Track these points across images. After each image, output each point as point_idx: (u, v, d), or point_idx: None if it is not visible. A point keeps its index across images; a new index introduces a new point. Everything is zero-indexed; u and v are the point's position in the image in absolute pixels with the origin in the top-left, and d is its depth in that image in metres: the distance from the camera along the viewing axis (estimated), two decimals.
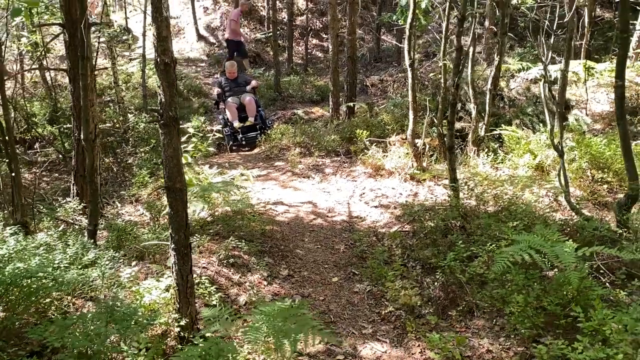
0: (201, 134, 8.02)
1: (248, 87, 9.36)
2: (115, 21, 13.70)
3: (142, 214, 5.61)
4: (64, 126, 7.85)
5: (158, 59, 2.67)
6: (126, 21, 14.28)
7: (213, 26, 15.23)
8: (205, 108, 10.78)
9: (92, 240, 4.04)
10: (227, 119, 9.20)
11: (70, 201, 5.34)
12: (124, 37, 13.98)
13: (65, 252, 3.39)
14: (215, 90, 9.72)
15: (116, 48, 10.89)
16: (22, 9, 2.96)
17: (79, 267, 3.33)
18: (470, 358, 3.08)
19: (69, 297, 3.26)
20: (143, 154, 7.89)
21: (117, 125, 8.80)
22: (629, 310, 2.84)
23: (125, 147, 8.46)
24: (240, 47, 12.23)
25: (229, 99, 9.21)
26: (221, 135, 9.10)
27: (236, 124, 8.91)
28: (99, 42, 8.17)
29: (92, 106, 5.14)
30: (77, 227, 4.96)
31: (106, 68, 9.40)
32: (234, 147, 8.85)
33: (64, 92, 9.54)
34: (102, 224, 4.83)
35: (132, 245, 4.17)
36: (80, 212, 5.25)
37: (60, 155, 8.05)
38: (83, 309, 3.16)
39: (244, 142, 8.82)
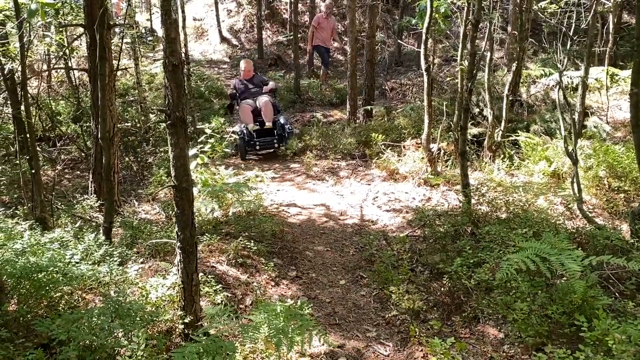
0: (219, 135, 8.13)
1: (265, 89, 8.61)
2: (141, 22, 13.94)
3: (158, 212, 5.71)
4: (86, 124, 8.02)
5: (166, 60, 2.72)
6: (151, 22, 14.56)
7: (236, 28, 15.38)
8: (225, 109, 10.89)
9: (107, 237, 4.13)
10: (241, 122, 8.55)
11: (87, 198, 5.47)
12: (149, 38, 14.26)
13: (76, 247, 3.48)
14: (229, 91, 9.04)
15: (140, 49, 11.10)
16: (38, 9, 3.05)
17: (90, 262, 3.41)
18: None
19: (79, 292, 3.34)
20: (162, 154, 8.02)
21: (138, 125, 8.95)
22: (634, 321, 2.80)
23: (145, 147, 8.60)
24: (327, 55, 11.90)
25: (243, 101, 8.48)
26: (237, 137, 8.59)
27: (251, 126, 8.13)
28: (122, 43, 8.33)
29: (111, 105, 5.26)
30: (93, 224, 5.07)
31: (126, 69, 9.57)
32: (247, 151, 8.05)
33: (87, 91, 9.74)
34: (118, 221, 4.93)
35: (144, 243, 4.24)
36: (97, 209, 5.37)
37: (82, 153, 8.22)
38: (92, 304, 3.24)
39: (258, 147, 8.01)
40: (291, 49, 13.89)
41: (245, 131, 8.13)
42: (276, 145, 8.01)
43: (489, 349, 3.17)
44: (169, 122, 2.80)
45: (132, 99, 10.52)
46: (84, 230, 4.43)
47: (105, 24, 4.44)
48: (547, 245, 3.32)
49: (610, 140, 6.31)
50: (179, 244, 2.99)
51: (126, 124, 8.81)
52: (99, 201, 5.41)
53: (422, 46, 5.93)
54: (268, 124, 8.12)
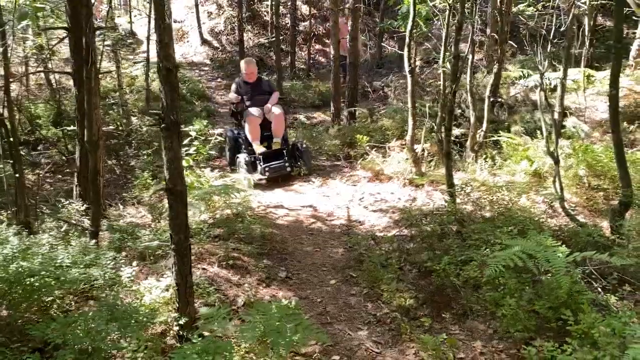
0: (203, 137, 8.12)
1: (274, 97, 7.29)
2: (120, 25, 13.83)
3: (144, 215, 5.69)
4: (68, 128, 7.94)
5: (160, 64, 2.74)
6: (131, 25, 14.45)
7: (217, 30, 15.36)
8: (208, 112, 10.87)
9: (94, 241, 4.12)
10: (244, 137, 7.13)
11: (73, 202, 5.42)
12: (129, 41, 14.14)
13: (67, 251, 3.47)
14: (232, 95, 7.37)
15: (120, 51, 11.02)
16: (29, 12, 3.04)
17: (81, 266, 3.40)
18: None
19: (71, 296, 3.33)
20: (145, 157, 7.98)
21: (121, 128, 8.89)
22: (618, 315, 2.90)
23: (128, 150, 8.55)
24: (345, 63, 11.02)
25: (250, 110, 7.06)
26: (227, 148, 7.41)
27: (257, 147, 6.83)
28: (103, 46, 8.27)
29: (96, 109, 5.23)
30: (79, 228, 5.04)
31: (111, 72, 9.48)
32: (252, 176, 6.52)
33: (67, 94, 9.64)
34: (104, 225, 4.90)
35: (134, 246, 4.24)
36: (83, 213, 5.33)
37: (64, 157, 8.14)
38: (84, 308, 3.23)
39: (266, 174, 6.64)
40: (273, 50, 13.94)
41: (249, 154, 6.92)
42: (289, 169, 6.78)
43: (479, 344, 3.25)
44: (163, 125, 2.81)
45: (112, 101, 10.43)
46: (70, 234, 4.41)
47: (91, 26, 4.43)
48: (533, 242, 3.42)
49: (588, 140, 6.48)
50: (173, 246, 3.01)
51: (109, 127, 8.74)
52: (84, 205, 5.37)
53: (406, 49, 6.02)
54: (277, 140, 6.94)
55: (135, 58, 13.38)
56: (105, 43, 9.15)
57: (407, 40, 5.99)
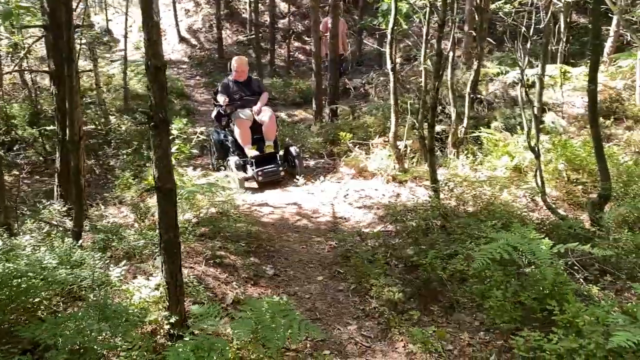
0: (184, 136, 8.06)
1: (264, 98, 7.03)
2: (98, 23, 13.65)
3: (126, 215, 5.64)
4: (46, 128, 7.81)
5: (149, 62, 2.73)
6: (107, 23, 14.26)
7: (195, 28, 15.25)
8: (187, 110, 10.79)
9: (78, 242, 4.07)
10: (232, 141, 6.88)
11: (54, 203, 5.34)
12: (105, 39, 13.95)
13: (53, 252, 3.43)
14: (220, 97, 6.94)
15: (97, 50, 10.87)
16: (12, 12, 2.99)
17: (68, 267, 3.36)
18: (452, 351, 3.19)
19: (58, 297, 3.30)
20: (125, 156, 7.90)
21: (100, 127, 8.78)
22: (600, 304, 2.99)
23: (107, 149, 8.44)
24: (343, 64, 10.69)
25: (240, 112, 6.78)
26: (214, 151, 7.18)
27: (249, 151, 6.61)
28: (80, 44, 8.14)
29: (77, 108, 5.16)
30: (61, 229, 4.97)
31: (90, 70, 9.34)
32: (244, 181, 6.45)
33: (43, 93, 9.47)
34: (86, 225, 4.85)
35: (119, 246, 4.20)
36: (65, 214, 5.25)
37: (41, 158, 8.02)
38: (72, 309, 3.20)
39: (260, 178, 6.49)
40: (252, 48, 13.90)
41: (240, 158, 6.64)
42: (282, 173, 6.67)
43: (466, 336, 3.31)
44: (152, 124, 2.80)
45: (89, 100, 10.29)
46: (52, 235, 4.35)
47: (72, 25, 4.37)
48: (518, 235, 3.49)
49: (566, 134, 6.62)
50: (163, 244, 2.99)
51: (87, 126, 8.62)
52: (66, 205, 5.30)
53: (388, 47, 6.07)
54: (269, 144, 6.72)
55: (112, 56, 13.21)
56: (82, 41, 9.02)
57: (389, 38, 6.03)
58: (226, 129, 7.15)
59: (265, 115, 6.78)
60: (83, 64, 10.98)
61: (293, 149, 6.80)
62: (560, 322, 2.89)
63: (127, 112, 9.50)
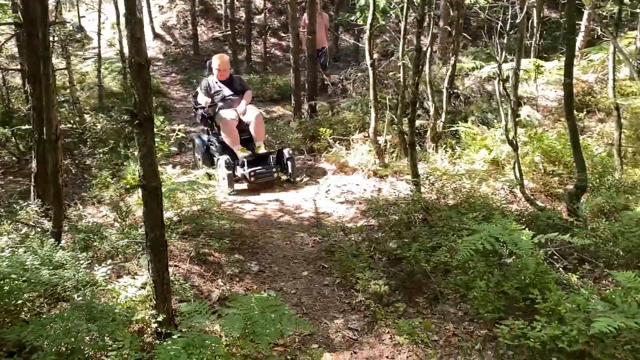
0: (162, 134, 7.98)
1: (247, 96, 6.75)
2: (70, 20, 13.39)
3: (106, 215, 5.57)
4: (20, 128, 7.65)
5: (132, 60, 2.71)
6: (79, 19, 13.99)
7: (169, 25, 15.08)
8: (164, 107, 10.68)
9: (57, 242, 4.01)
10: (220, 143, 6.58)
11: (31, 204, 5.25)
12: (78, 36, 13.70)
13: (35, 253, 3.37)
14: (201, 99, 6.67)
15: (70, 47, 10.67)
16: None
17: (51, 268, 3.31)
18: (437, 342, 3.25)
19: (41, 299, 3.25)
20: (102, 155, 7.79)
21: (75, 126, 8.63)
22: (580, 291, 3.08)
23: (83, 149, 8.31)
24: (322, 58, 10.54)
25: (223, 113, 6.45)
26: (198, 156, 6.89)
27: (240, 152, 6.36)
28: (53, 42, 7.98)
29: (54, 107, 5.07)
30: (39, 229, 4.89)
31: (66, 68, 9.16)
32: (233, 183, 6.15)
33: (14, 92, 9.26)
34: (65, 226, 4.78)
35: (101, 245, 4.15)
36: (43, 214, 5.16)
37: (15, 158, 7.86)
38: (56, 310, 3.16)
39: (251, 179, 6.20)
40: (228, 44, 13.81)
41: (228, 158, 6.22)
42: (276, 175, 6.36)
43: (451, 326, 3.37)
44: (136, 121, 2.78)
45: (62, 99, 10.10)
46: (30, 237, 4.28)
47: (47, 21, 4.29)
48: (499, 227, 3.56)
49: (541, 127, 6.76)
50: (148, 243, 2.98)
51: (62, 125, 8.46)
52: (44, 206, 5.21)
53: (367, 42, 6.10)
54: (259, 145, 6.47)
55: (85, 54, 12.98)
56: (55, 39, 8.84)
57: (367, 33, 6.07)
58: (210, 132, 6.89)
59: (251, 115, 6.53)
60: (56, 61, 10.78)
61: (286, 151, 6.51)
62: (542, 310, 2.97)
63: (103, 110, 9.35)
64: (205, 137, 6.90)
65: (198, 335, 2.50)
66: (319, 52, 10.24)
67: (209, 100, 6.56)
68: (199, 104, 6.77)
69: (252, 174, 6.14)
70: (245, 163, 6.22)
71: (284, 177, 6.49)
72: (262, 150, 6.46)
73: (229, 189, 6.06)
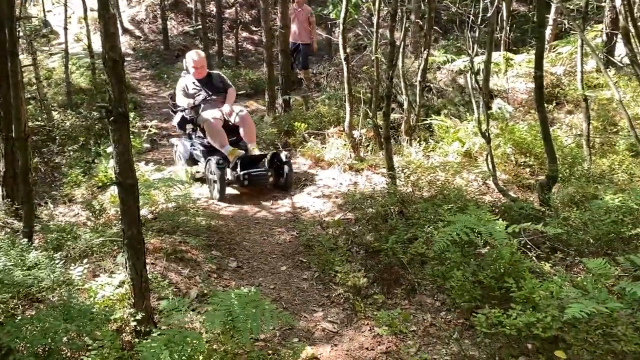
0: (134, 130, 7.87)
1: (231, 94, 6.23)
2: (36, 15, 13.04)
3: (78, 213, 5.48)
4: None
5: (106, 56, 2.66)
6: (44, 14, 13.64)
7: (138, 19, 14.83)
8: (134, 103, 10.50)
9: (29, 243, 3.93)
10: (206, 147, 5.99)
11: None
12: (43, 31, 13.36)
13: (7, 254, 3.30)
14: (182, 101, 6.09)
15: (36, 43, 10.40)
16: None
17: (24, 268, 3.25)
18: (416, 332, 3.30)
19: (15, 300, 3.18)
20: (72, 153, 7.64)
21: (43, 124, 8.43)
22: (553, 279, 3.17)
23: (51, 146, 8.13)
24: (306, 54, 10.16)
25: (206, 114, 5.90)
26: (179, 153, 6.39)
27: (232, 152, 5.73)
28: (19, 37, 7.76)
29: (22, 104, 4.95)
30: (9, 230, 4.78)
31: (32, 64, 8.93)
32: (225, 188, 5.57)
33: None
34: (37, 225, 4.68)
35: (75, 244, 4.08)
36: (13, 214, 5.05)
37: None
38: (32, 311, 3.10)
39: (246, 182, 5.64)
40: (199, 39, 13.65)
41: (219, 160, 5.51)
42: (271, 179, 5.86)
43: (429, 317, 3.43)
44: (111, 118, 2.73)
45: (28, 96, 9.85)
46: (0, 237, 4.18)
47: (14, 16, 4.18)
48: (474, 217, 3.63)
49: (512, 119, 6.89)
50: (126, 240, 2.94)
51: (30, 123, 8.26)
52: (13, 206, 5.09)
53: (340, 36, 6.12)
54: (251, 146, 5.97)
55: (51, 49, 12.67)
56: (20, 34, 8.60)
57: (341, 28, 6.08)
58: (193, 136, 6.31)
59: (238, 115, 6.01)
60: (21, 57, 10.49)
61: (283, 155, 5.88)
62: (517, 299, 3.04)
63: (71, 107, 9.16)
64: (187, 143, 6.31)
65: (179, 332, 2.49)
66: (295, 47, 10.04)
67: (192, 102, 6.02)
68: (179, 106, 6.21)
69: (246, 176, 5.59)
70: (238, 164, 5.67)
71: (271, 182, 5.93)
72: (256, 151, 5.97)
73: (221, 195, 5.53)
